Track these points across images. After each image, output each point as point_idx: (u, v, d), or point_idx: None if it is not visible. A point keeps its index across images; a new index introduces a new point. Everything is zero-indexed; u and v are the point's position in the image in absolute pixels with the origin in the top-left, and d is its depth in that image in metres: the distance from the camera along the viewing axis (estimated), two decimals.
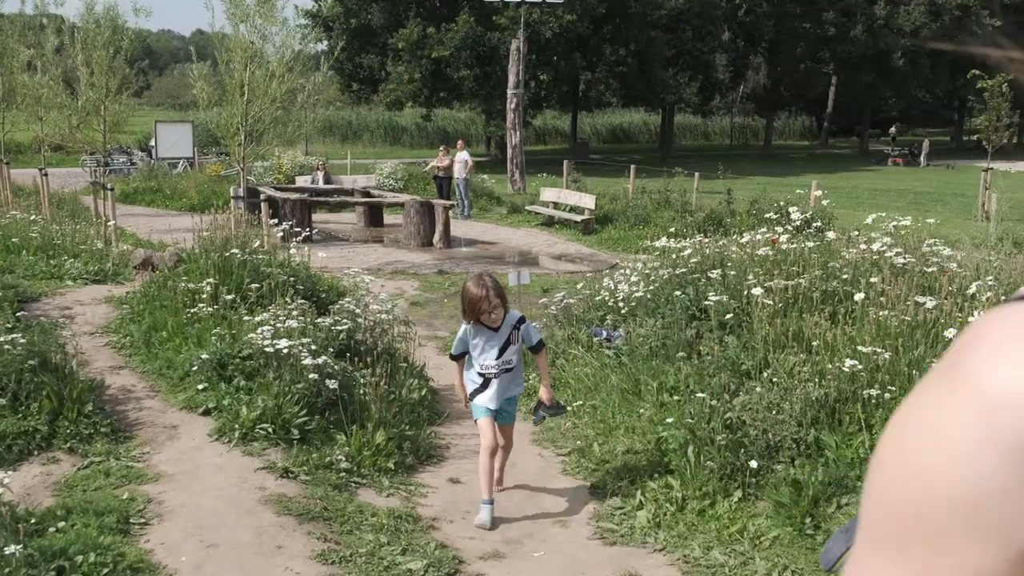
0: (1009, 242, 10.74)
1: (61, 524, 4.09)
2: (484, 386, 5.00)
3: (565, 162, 23.09)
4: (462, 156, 21.47)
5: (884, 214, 7.69)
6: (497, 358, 4.99)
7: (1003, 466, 0.50)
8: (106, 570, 3.74)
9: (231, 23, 12.61)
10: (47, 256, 10.27)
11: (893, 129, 53.16)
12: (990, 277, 5.98)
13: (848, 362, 5.05)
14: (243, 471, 4.94)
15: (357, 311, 6.85)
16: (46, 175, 15.00)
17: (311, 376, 5.59)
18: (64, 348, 6.24)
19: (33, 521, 4.08)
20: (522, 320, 5.10)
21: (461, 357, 5.20)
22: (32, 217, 12.48)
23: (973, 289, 5.76)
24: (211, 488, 4.73)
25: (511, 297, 11.29)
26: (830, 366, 5.18)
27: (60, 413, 5.33)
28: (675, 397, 5.75)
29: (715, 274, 7.10)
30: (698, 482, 4.74)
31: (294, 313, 6.30)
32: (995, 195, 15.14)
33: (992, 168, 17.83)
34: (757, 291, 6.14)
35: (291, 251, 8.30)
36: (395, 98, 39.32)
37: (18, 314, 7.18)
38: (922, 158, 43.40)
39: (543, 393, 5.31)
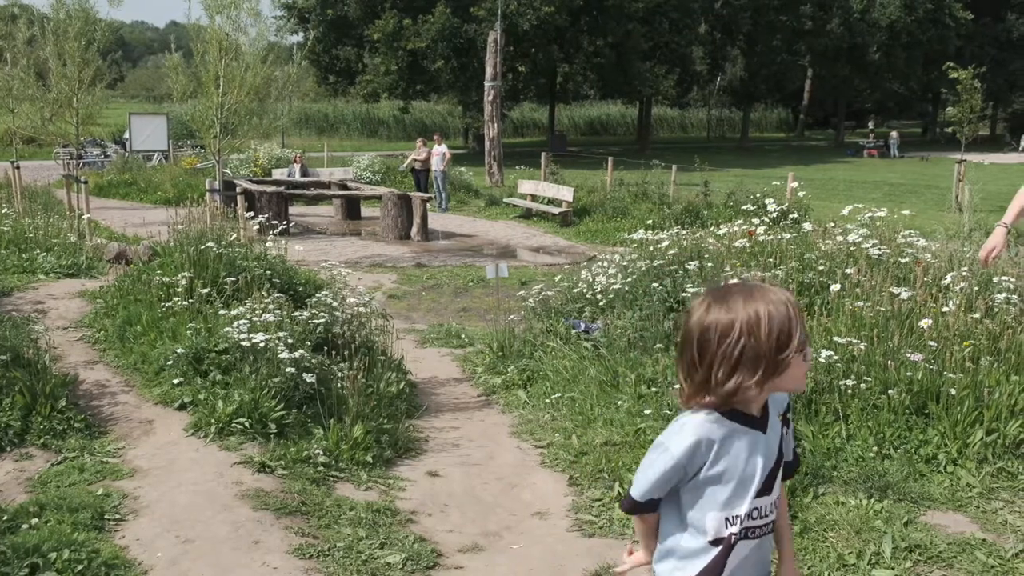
0: (982, 233, 10.84)
1: (34, 521, 4.04)
2: (719, 567, 2.05)
3: (543, 154, 23.10)
4: (439, 149, 21.44)
5: (860, 206, 7.73)
6: (761, 495, 2.06)
7: None
8: (80, 567, 3.69)
9: (207, 14, 12.55)
10: (19, 250, 10.14)
11: (871, 123, 53.66)
12: (964, 268, 6.03)
13: (824, 353, 5.08)
14: (219, 466, 4.90)
15: (334, 304, 6.81)
16: (18, 168, 14.80)
17: (288, 370, 5.55)
18: (37, 343, 6.15)
19: (5, 518, 4.03)
20: (790, 407, 2.23)
21: (655, 507, 2.13)
22: (4, 210, 12.32)
23: (947, 280, 5.81)
24: (187, 483, 4.69)
25: (490, 290, 11.18)
26: None
27: (33, 408, 5.27)
28: (653, 389, 5.76)
29: (692, 266, 7.13)
30: None
31: (270, 307, 6.25)
32: (968, 187, 15.28)
33: (965, 160, 17.99)
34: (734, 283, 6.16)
35: (267, 244, 8.24)
36: (372, 90, 39.22)
37: None
38: (893, 149, 43.80)
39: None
